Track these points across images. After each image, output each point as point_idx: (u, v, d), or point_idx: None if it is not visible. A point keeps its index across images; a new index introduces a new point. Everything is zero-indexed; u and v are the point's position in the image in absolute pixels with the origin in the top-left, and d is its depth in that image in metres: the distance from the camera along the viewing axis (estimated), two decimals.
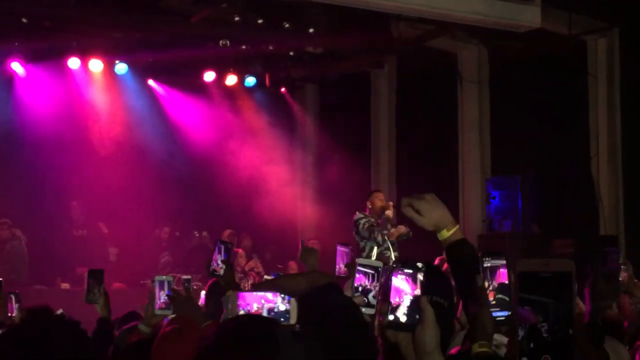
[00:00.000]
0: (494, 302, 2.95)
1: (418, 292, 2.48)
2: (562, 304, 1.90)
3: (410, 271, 2.49)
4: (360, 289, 3.13)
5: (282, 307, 2.63)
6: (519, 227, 12.83)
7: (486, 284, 2.92)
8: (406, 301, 2.46)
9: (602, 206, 12.34)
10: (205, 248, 13.34)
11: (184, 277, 7.56)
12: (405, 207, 3.10)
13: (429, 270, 2.64)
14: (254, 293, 2.66)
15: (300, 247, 5.59)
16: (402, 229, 10.72)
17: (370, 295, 3.09)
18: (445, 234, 3.11)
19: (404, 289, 2.47)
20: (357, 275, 3.13)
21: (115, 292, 12.09)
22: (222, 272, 5.36)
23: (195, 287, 10.36)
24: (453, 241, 3.09)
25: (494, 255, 3.00)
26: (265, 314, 2.64)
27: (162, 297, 4.97)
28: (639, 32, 11.90)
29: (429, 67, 14.20)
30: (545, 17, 11.46)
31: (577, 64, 12.74)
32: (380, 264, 3.25)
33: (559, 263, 1.93)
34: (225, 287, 5.24)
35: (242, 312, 2.65)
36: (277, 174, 15.30)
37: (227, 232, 13.48)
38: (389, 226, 10.84)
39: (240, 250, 13.32)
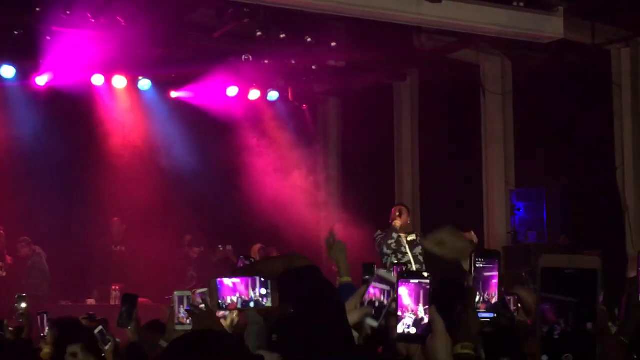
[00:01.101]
0: (481, 304, 2.92)
1: (424, 303, 2.46)
2: (586, 302, 1.87)
3: (417, 282, 2.47)
4: (371, 301, 3.08)
5: (263, 292, 2.61)
6: (544, 238, 12.76)
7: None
8: (415, 312, 2.44)
9: (629, 216, 12.26)
10: (229, 262, 13.34)
11: (201, 290, 7.57)
12: (427, 245, 3.12)
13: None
14: (233, 280, 2.64)
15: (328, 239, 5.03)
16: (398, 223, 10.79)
17: (380, 309, 3.04)
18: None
19: (412, 301, 2.46)
20: (372, 287, 3.09)
21: (142, 308, 12.17)
22: None
23: None
24: None
25: (487, 255, 2.96)
26: (250, 303, 2.62)
27: (182, 312, 4.98)
28: None
29: (452, 79, 14.17)
30: (568, 27, 11.44)
31: (601, 74, 12.69)
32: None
33: (584, 260, 1.90)
34: None
35: (225, 306, 2.64)
36: (301, 189, 15.30)
37: (258, 246, 13.41)
38: (394, 235, 10.93)
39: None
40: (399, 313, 2.44)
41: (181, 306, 4.99)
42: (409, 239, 11.06)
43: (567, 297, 1.86)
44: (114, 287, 12.45)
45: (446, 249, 3.08)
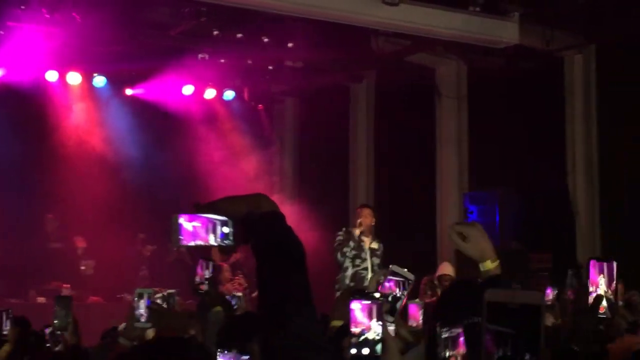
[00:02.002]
0: None
1: (377, 322, 2.45)
2: (527, 335, 1.91)
3: (368, 302, 2.47)
4: (386, 295, 3.04)
5: (226, 230, 2.57)
6: (496, 241, 12.82)
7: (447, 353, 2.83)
8: (367, 330, 2.42)
9: (579, 221, 12.40)
10: (183, 263, 13.25)
11: (169, 291, 7.53)
12: (452, 231, 3.09)
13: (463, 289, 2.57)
14: (193, 224, 2.59)
15: None
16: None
17: (395, 302, 3.01)
18: (490, 265, 3.13)
19: (363, 320, 2.44)
20: (387, 280, 3.05)
21: (92, 306, 12.10)
22: (205, 288, 5.35)
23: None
24: (493, 275, 3.09)
25: (451, 324, 2.91)
26: (211, 242, 2.58)
27: (142, 309, 4.94)
28: (615, 48, 11.99)
29: (408, 82, 14.24)
30: (523, 33, 11.55)
31: (554, 80, 12.82)
32: (411, 276, 3.18)
33: (528, 296, 1.95)
34: (210, 304, 5.23)
35: (185, 243, 2.60)
36: (256, 188, 15.26)
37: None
38: (351, 243, 10.76)
39: (225, 265, 13.14)
40: (351, 331, 2.43)
41: (141, 304, 4.96)
42: (371, 245, 10.82)
43: (508, 329, 1.91)
44: (54, 284, 12.39)
45: (469, 244, 3.06)
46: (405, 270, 3.19)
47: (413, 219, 14.22)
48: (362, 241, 10.79)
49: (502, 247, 12.78)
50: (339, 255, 10.70)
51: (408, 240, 13.63)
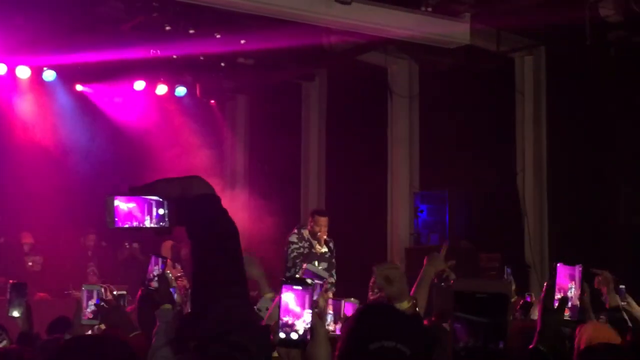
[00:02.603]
0: None
1: (308, 309, 2.47)
2: (496, 323, 1.93)
3: (300, 288, 2.47)
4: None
5: (161, 212, 2.54)
6: (446, 240, 12.94)
7: None
8: (297, 318, 2.43)
9: (527, 221, 12.52)
10: (136, 261, 13.15)
11: (119, 292, 7.47)
12: (379, 275, 3.18)
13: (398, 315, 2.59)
14: (128, 205, 2.57)
15: None
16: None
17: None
18: (406, 305, 3.24)
19: (294, 306, 2.45)
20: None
21: (39, 303, 11.95)
22: (155, 285, 5.31)
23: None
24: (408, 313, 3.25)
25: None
26: (147, 224, 2.55)
27: (90, 306, 4.88)
28: (565, 50, 12.12)
29: (360, 81, 14.28)
30: (474, 34, 11.63)
31: (505, 81, 12.93)
32: (325, 274, 3.20)
33: (495, 285, 1.98)
34: (160, 300, 5.20)
35: (120, 225, 2.56)
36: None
37: (169, 243, 13.07)
38: (304, 244, 10.71)
39: (168, 260, 13.03)
40: (282, 318, 2.43)
41: (90, 300, 4.90)
42: (321, 251, 10.79)
43: (478, 317, 1.93)
44: (10, 282, 12.18)
45: (393, 287, 3.16)
46: (320, 268, 3.26)
47: (365, 217, 14.26)
48: (314, 247, 10.77)
49: (452, 246, 12.89)
50: (290, 259, 10.62)
51: (359, 238, 13.67)
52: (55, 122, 14.77)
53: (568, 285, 4.16)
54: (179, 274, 12.98)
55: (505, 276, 7.60)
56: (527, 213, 12.54)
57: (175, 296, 6.69)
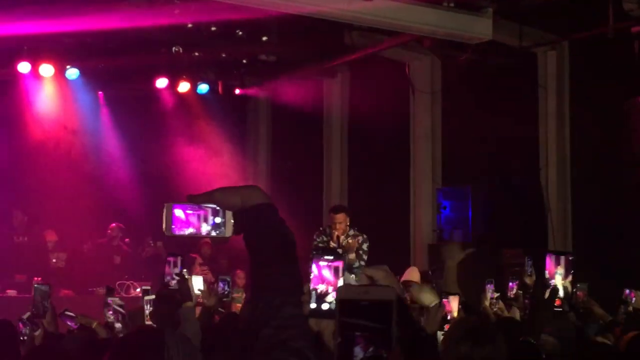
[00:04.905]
0: None
1: (339, 279, 2.48)
2: (381, 331, 1.93)
3: (331, 258, 2.50)
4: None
5: (218, 220, 2.56)
6: (469, 237, 12.91)
7: None
8: (328, 289, 2.45)
9: (551, 217, 12.47)
10: (160, 259, 13.20)
11: (144, 287, 7.53)
12: (363, 276, 3.15)
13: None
14: (187, 211, 2.58)
15: None
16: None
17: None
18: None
19: (325, 277, 2.47)
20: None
21: (64, 300, 12.02)
22: (175, 285, 5.37)
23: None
24: None
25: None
26: (203, 232, 2.57)
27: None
28: (588, 45, 12.06)
29: (382, 77, 14.26)
30: (496, 29, 11.58)
31: (527, 76, 12.88)
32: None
33: (380, 291, 1.98)
34: (182, 299, 5.25)
35: (177, 232, 2.58)
36: (229, 182, 15.23)
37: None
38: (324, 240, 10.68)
39: (197, 256, 13.07)
40: (312, 288, 2.46)
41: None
42: (343, 244, 10.62)
43: (364, 325, 1.93)
44: (18, 277, 12.34)
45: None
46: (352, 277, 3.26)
47: (387, 214, 14.25)
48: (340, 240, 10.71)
49: (474, 242, 12.87)
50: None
51: (381, 235, 13.66)
52: (77, 120, 14.84)
53: (554, 271, 4.15)
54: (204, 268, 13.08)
55: (526, 267, 7.60)
56: (551, 208, 12.50)
57: (203, 287, 6.74)
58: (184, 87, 15.05)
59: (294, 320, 2.24)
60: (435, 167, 14.15)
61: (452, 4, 11.21)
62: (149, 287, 7.59)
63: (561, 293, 4.13)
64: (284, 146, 16.68)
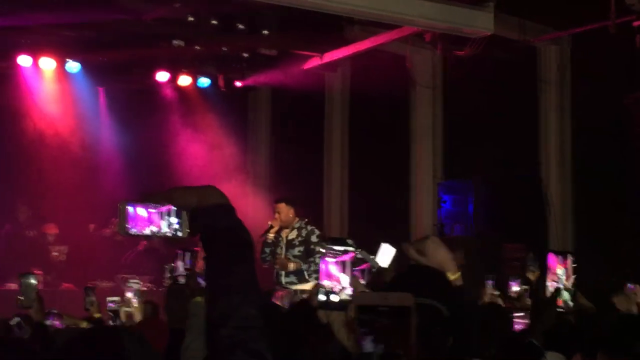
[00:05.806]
0: None
1: (349, 272, 2.47)
2: (400, 335, 1.94)
3: (341, 249, 2.48)
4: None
5: (173, 220, 2.52)
6: (469, 231, 12.89)
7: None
8: (338, 281, 2.45)
9: (552, 211, 12.45)
10: (156, 253, 13.18)
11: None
12: (410, 249, 3.14)
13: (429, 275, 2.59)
14: (149, 209, 2.54)
15: None
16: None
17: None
18: (450, 277, 3.16)
19: (332, 273, 2.46)
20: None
21: (64, 293, 12.03)
22: (184, 280, 5.37)
23: (145, 288, 10.28)
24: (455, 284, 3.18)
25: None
26: (162, 231, 2.54)
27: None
28: (590, 39, 12.03)
29: (383, 71, 14.22)
30: (498, 23, 11.56)
31: (528, 70, 12.86)
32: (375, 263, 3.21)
33: (397, 297, 1.98)
34: (191, 294, 5.25)
35: (133, 232, 2.53)
36: (230, 176, 15.23)
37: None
38: (268, 240, 10.74)
39: (200, 250, 13.02)
40: (322, 281, 2.46)
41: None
42: (289, 237, 10.70)
43: (382, 329, 1.94)
44: (36, 272, 12.27)
45: (426, 259, 3.12)
46: (372, 257, 3.26)
47: (387, 208, 14.23)
48: (280, 237, 10.71)
49: (476, 237, 12.85)
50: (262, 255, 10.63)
51: (382, 229, 13.65)
52: (78, 114, 14.82)
53: (557, 271, 4.13)
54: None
55: (528, 262, 7.58)
56: (552, 203, 12.48)
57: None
58: (184, 80, 15.03)
59: (253, 321, 2.23)
60: (436, 161, 14.13)
61: None
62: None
63: (564, 294, 4.11)
64: (284, 140, 16.65)
